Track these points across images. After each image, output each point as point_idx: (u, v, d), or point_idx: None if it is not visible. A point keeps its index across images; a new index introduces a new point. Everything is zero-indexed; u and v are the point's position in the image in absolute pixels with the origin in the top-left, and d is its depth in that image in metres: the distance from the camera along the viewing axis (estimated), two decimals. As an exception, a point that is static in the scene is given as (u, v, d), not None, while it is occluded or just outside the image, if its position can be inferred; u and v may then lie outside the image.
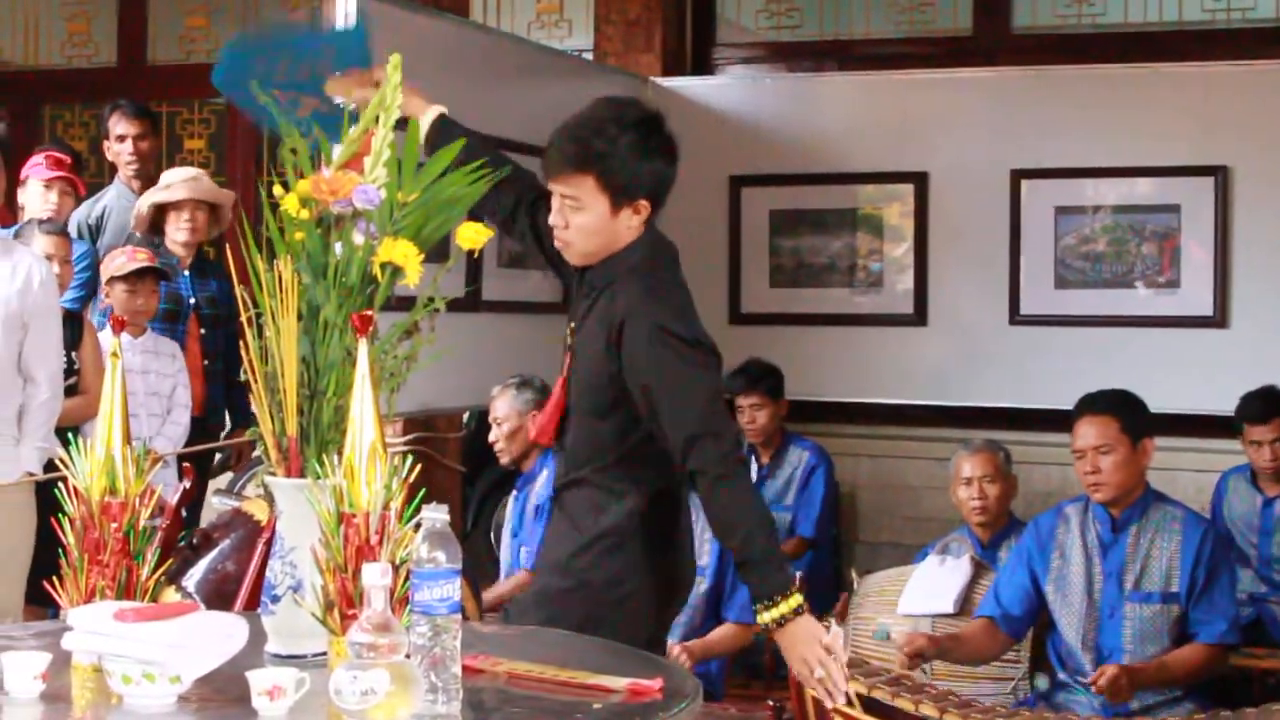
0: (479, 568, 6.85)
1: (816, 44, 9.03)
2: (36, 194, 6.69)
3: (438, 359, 3.03)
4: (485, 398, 6.56)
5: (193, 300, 6.73)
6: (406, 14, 6.43)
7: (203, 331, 6.74)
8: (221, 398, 6.75)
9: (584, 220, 3.70)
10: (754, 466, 7.48)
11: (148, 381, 6.35)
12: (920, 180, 8.09)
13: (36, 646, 2.87)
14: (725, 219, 8.41)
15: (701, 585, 5.43)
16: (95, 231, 6.98)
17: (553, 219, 3.72)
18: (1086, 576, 5.12)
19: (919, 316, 8.10)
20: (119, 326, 3.11)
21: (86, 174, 7.54)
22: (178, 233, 6.69)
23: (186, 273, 6.73)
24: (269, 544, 3.15)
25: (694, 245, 8.36)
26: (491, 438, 6.58)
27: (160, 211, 6.71)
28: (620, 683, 2.79)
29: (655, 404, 3.59)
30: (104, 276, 6.42)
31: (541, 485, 6.45)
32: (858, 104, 8.32)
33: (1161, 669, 5.00)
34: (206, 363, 6.72)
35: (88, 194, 7.16)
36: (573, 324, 3.82)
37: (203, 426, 6.65)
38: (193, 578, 4.37)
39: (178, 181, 6.75)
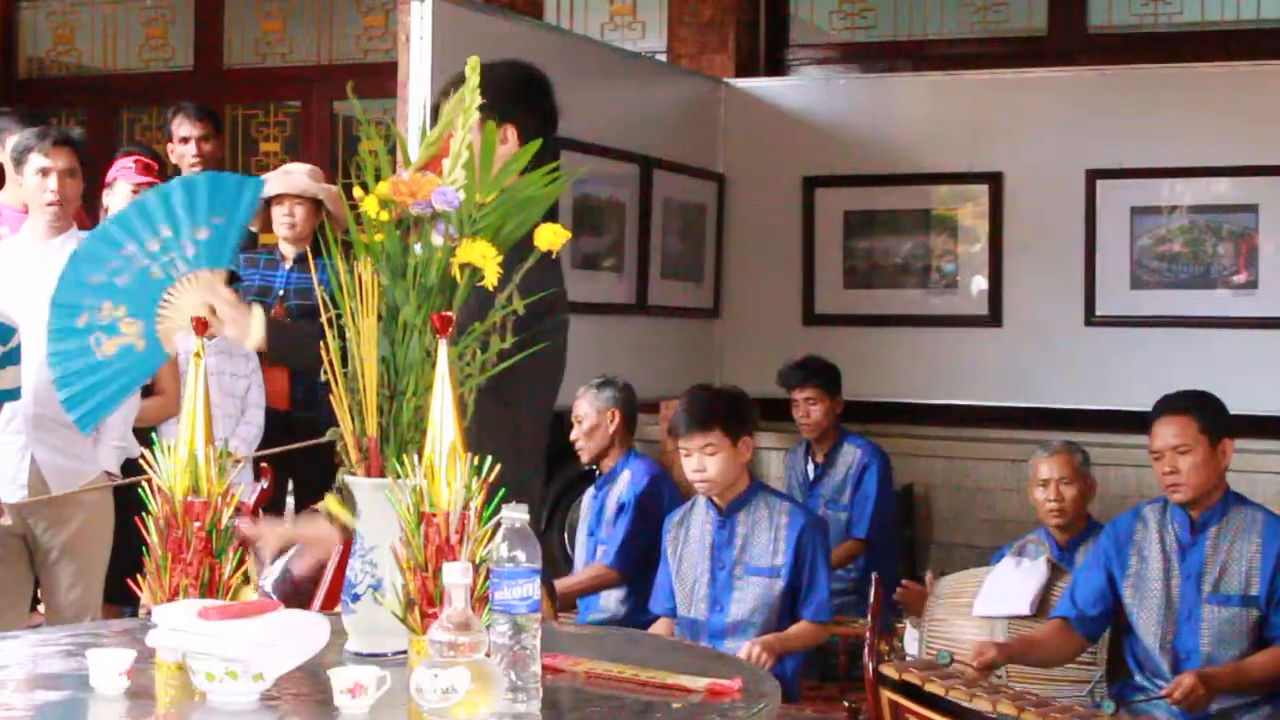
0: (553, 567, 6.87)
1: (890, 44, 9.03)
2: (123, 196, 6.68)
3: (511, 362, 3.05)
4: (561, 397, 6.57)
5: (282, 291, 6.73)
6: (482, 16, 6.47)
7: (288, 322, 6.71)
8: (311, 391, 6.62)
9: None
10: (809, 464, 7.44)
11: (221, 382, 6.36)
12: (995, 181, 8.07)
13: (120, 644, 2.90)
14: (799, 220, 8.42)
15: (777, 585, 5.43)
16: None
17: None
18: (1165, 578, 5.07)
19: (994, 317, 8.08)
20: (201, 328, 3.13)
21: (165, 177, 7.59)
22: (279, 227, 6.74)
23: (288, 266, 6.73)
24: (347, 543, 3.17)
25: (768, 246, 8.47)
26: (572, 436, 6.60)
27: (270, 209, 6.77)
28: (699, 683, 2.79)
29: None
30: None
31: (623, 484, 6.48)
32: (932, 104, 8.31)
33: (1238, 673, 4.95)
34: None
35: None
36: None
37: (288, 421, 6.59)
38: (269, 577, 4.41)
39: (272, 176, 6.81)
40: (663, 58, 9.03)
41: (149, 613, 2.93)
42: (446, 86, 3.69)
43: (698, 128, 8.35)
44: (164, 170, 7.01)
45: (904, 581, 5.83)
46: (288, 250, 6.74)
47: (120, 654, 2.73)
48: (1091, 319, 7.89)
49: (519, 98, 3.80)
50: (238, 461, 3.12)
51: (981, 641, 5.09)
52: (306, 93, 9.95)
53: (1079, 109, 7.93)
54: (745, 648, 5.25)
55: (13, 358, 5.29)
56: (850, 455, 7.34)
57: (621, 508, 6.43)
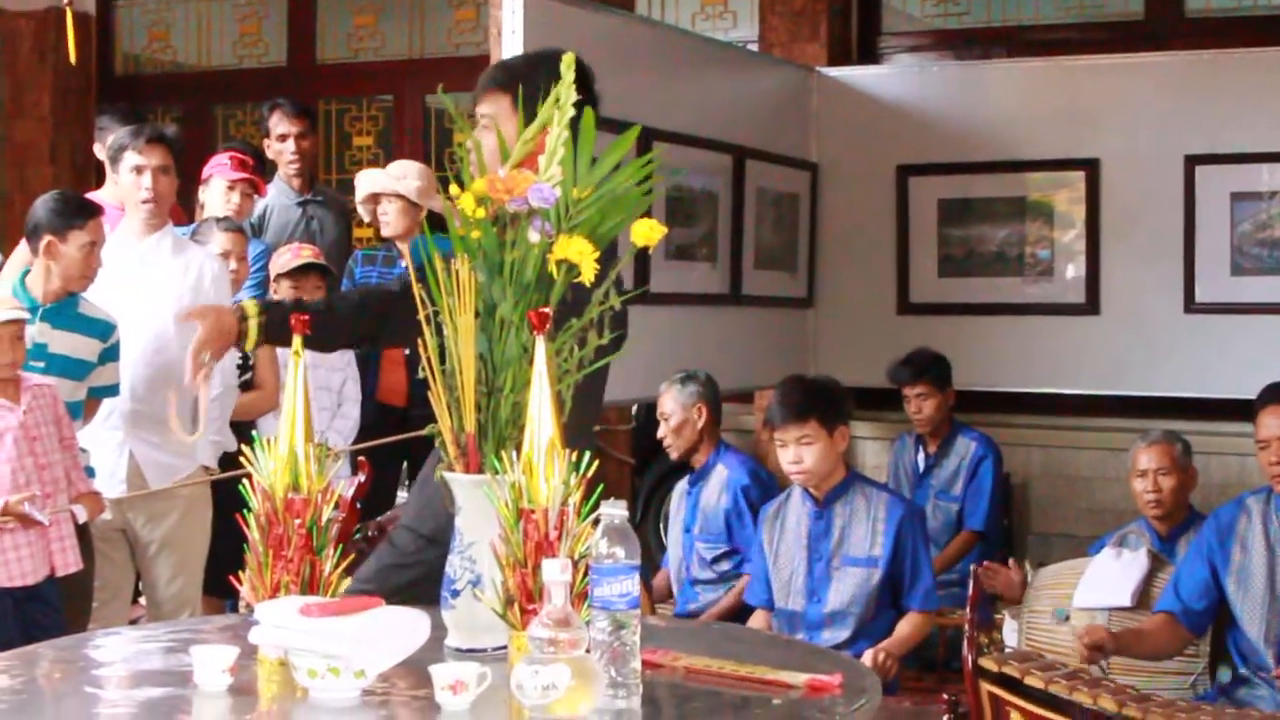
0: (648, 559, 6.86)
1: (984, 31, 8.96)
2: (219, 192, 6.69)
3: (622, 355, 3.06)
4: (654, 390, 6.57)
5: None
6: (573, 9, 6.46)
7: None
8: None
9: (492, 141, 3.42)
10: (921, 456, 7.41)
11: (316, 376, 6.36)
12: (1091, 167, 7.99)
13: (223, 640, 2.92)
14: (893, 208, 8.37)
15: (875, 575, 5.40)
16: (257, 230, 7.03)
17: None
18: (1269, 570, 5.01)
19: (1091, 305, 8.01)
20: (300, 326, 3.14)
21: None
22: (382, 226, 6.78)
23: (404, 263, 6.74)
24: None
25: (862, 235, 8.43)
26: (660, 433, 6.58)
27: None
28: (799, 678, 2.78)
29: None
30: (272, 274, 6.50)
31: (719, 483, 6.43)
32: (1027, 91, 8.23)
33: (1347, 659, 4.89)
34: (409, 351, 6.57)
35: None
36: None
37: (405, 416, 6.59)
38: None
39: (361, 175, 6.85)
40: (754, 47, 9.01)
41: (250, 608, 2.95)
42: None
43: (790, 117, 8.32)
44: (261, 166, 7.05)
45: (985, 563, 5.66)
46: (404, 247, 6.76)
47: (223, 650, 2.75)
48: (1191, 306, 7.80)
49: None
50: (337, 457, 3.13)
51: (1091, 623, 5.05)
52: (399, 86, 9.99)
53: (1177, 94, 7.84)
54: (869, 655, 5.21)
55: (112, 354, 5.34)
56: (964, 448, 7.30)
57: (728, 517, 6.39)
